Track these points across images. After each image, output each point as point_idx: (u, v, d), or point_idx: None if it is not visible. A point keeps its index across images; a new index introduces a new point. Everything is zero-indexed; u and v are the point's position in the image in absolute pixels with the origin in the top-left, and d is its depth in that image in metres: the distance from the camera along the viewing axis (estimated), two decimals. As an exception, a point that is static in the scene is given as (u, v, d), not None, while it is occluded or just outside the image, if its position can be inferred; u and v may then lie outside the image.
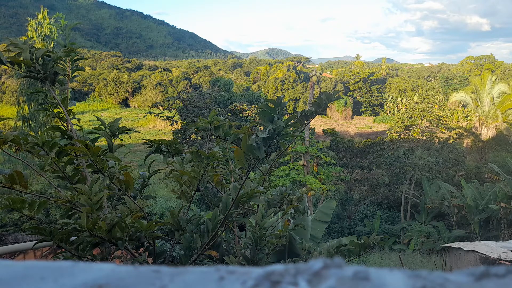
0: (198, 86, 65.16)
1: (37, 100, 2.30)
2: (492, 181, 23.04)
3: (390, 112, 66.22)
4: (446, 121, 33.23)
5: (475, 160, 34.99)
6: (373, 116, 67.84)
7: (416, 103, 46.11)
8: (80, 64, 2.63)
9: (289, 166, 23.50)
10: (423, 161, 24.87)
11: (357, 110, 69.31)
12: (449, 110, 47.92)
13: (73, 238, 1.90)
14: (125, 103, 69.94)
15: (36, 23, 18.64)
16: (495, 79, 40.57)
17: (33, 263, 0.51)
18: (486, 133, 37.73)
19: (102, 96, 69.91)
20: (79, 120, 2.43)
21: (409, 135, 30.75)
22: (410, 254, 19.51)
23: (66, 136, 2.28)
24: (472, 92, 40.65)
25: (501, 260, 8.45)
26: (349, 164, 28.81)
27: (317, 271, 0.46)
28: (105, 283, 0.46)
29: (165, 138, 2.85)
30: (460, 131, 39.02)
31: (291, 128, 2.22)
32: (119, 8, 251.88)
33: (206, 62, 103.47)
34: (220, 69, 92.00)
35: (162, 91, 63.92)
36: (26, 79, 15.05)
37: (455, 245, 11.36)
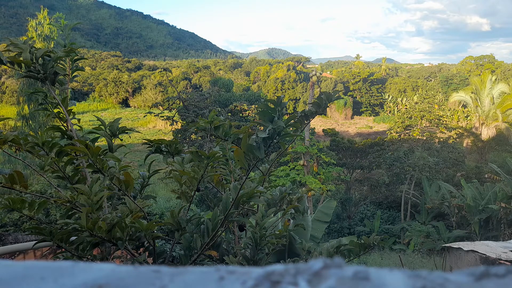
0: (198, 86, 65.18)
1: (37, 100, 2.30)
2: (492, 181, 23.04)
3: (390, 112, 66.23)
4: (446, 121, 33.23)
5: (475, 160, 34.99)
6: (373, 116, 67.85)
7: (416, 103, 46.12)
8: (80, 64, 2.63)
9: (289, 166, 23.50)
10: (423, 161, 24.88)
11: (357, 110, 69.31)
12: (449, 110, 47.93)
13: (73, 238, 1.90)
14: (125, 103, 69.95)
15: (36, 23, 18.64)
16: (495, 79, 40.58)
17: (33, 263, 0.51)
18: (486, 133, 37.73)
19: (102, 96, 69.92)
20: (79, 120, 2.43)
21: (409, 135, 30.75)
22: (410, 254, 19.52)
23: (66, 136, 2.28)
24: (472, 92, 40.65)
25: (501, 260, 8.45)
26: (349, 164, 28.81)
27: (317, 271, 0.46)
28: (105, 283, 0.46)
29: (165, 138, 2.85)
30: (460, 131, 39.02)
31: (291, 128, 2.22)
32: (119, 8, 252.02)
33: (206, 62, 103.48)
34: (220, 69, 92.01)
35: (162, 91, 63.93)
36: (26, 79, 15.05)
37: (455, 245, 11.36)
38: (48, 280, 0.46)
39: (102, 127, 2.23)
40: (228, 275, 0.47)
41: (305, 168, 23.27)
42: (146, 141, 2.35)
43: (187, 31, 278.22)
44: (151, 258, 2.25)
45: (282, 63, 79.91)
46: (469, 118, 46.53)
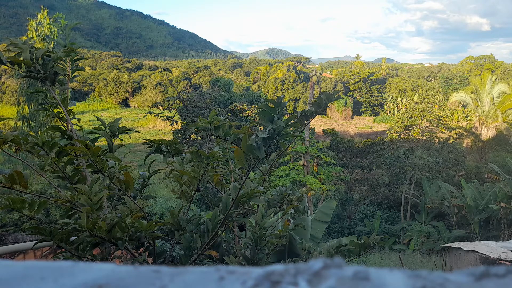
0: (198, 86, 65.18)
1: (37, 100, 2.30)
2: (492, 181, 23.04)
3: (390, 112, 66.23)
4: (446, 121, 33.23)
5: (475, 160, 34.99)
6: (373, 116, 67.85)
7: (416, 103, 46.13)
8: (80, 64, 2.63)
9: (289, 166, 23.50)
10: (423, 161, 24.88)
11: (357, 110, 69.31)
12: (449, 110, 47.93)
13: (73, 238, 1.90)
14: (125, 103, 69.96)
15: (36, 23, 18.63)
16: (495, 79, 40.58)
17: (33, 263, 0.51)
18: (486, 133, 37.73)
19: (102, 96, 69.92)
20: (79, 120, 2.43)
21: (409, 135, 30.75)
22: (410, 254, 19.52)
23: (66, 136, 2.28)
24: (472, 92, 40.65)
25: (501, 260, 8.45)
26: (349, 164, 28.81)
27: (317, 271, 0.46)
28: (105, 283, 0.46)
29: (165, 138, 2.85)
30: (460, 131, 39.02)
31: (291, 128, 2.22)
32: (119, 8, 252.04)
33: (206, 62, 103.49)
34: (220, 69, 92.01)
35: (162, 91, 63.93)
36: (26, 79, 15.05)
37: (455, 245, 11.36)
38: (48, 280, 0.46)
39: (102, 127, 2.23)
40: (228, 275, 0.47)
41: (305, 168, 23.27)
42: (146, 141, 2.35)
43: (187, 31, 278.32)
44: (151, 258, 2.25)
45: (282, 63, 79.92)
46: (469, 118, 46.54)
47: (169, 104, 26.17)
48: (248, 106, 28.97)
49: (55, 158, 2.03)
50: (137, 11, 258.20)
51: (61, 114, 2.34)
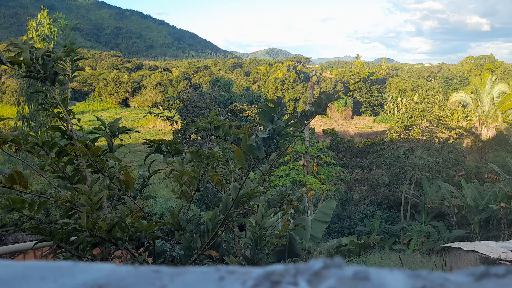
0: (198, 86, 65.18)
1: (37, 100, 2.30)
2: (492, 181, 23.04)
3: (390, 112, 66.23)
4: (446, 121, 33.23)
5: (475, 160, 34.99)
6: (373, 116, 67.85)
7: (416, 103, 46.13)
8: (80, 64, 2.63)
9: (289, 166, 23.50)
10: (423, 161, 24.88)
11: (357, 110, 69.31)
12: (449, 110, 47.93)
13: (73, 238, 1.90)
14: (125, 103, 69.96)
15: (36, 23, 18.63)
16: (495, 79, 40.58)
17: (33, 263, 0.51)
18: (486, 133, 37.73)
19: (102, 96, 69.92)
20: (79, 120, 2.43)
21: (409, 135, 30.76)
22: (410, 254, 19.52)
23: (66, 136, 2.28)
24: (472, 92, 40.65)
25: (501, 260, 8.45)
26: (349, 164, 28.81)
27: (317, 271, 0.46)
28: (105, 283, 0.46)
29: (165, 138, 2.85)
30: (460, 131, 39.03)
31: (291, 128, 2.22)
32: (119, 8, 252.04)
33: (206, 62, 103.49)
34: (220, 69, 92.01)
35: (162, 91, 63.93)
36: (26, 79, 15.05)
37: (455, 245, 11.36)
38: (48, 280, 0.46)
39: (102, 127, 2.23)
40: (228, 275, 0.47)
41: (305, 168, 23.27)
42: (146, 141, 2.35)
43: (187, 31, 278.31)
44: (151, 258, 2.25)
45: (282, 63, 79.92)
46: (469, 118, 46.53)
47: (169, 104, 26.17)
48: (248, 106, 28.97)
49: (55, 158, 2.03)
50: (137, 11, 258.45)
51: (61, 114, 2.34)
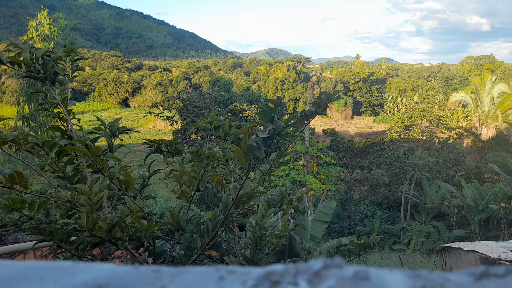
0: (198, 86, 65.17)
1: (37, 100, 2.30)
2: (492, 181, 23.04)
3: (390, 112, 66.23)
4: (446, 121, 33.24)
5: (475, 160, 34.99)
6: (373, 116, 67.85)
7: (416, 103, 46.13)
8: (80, 64, 2.63)
9: (289, 166, 23.50)
10: (423, 161, 24.88)
11: (357, 110, 69.31)
12: (449, 110, 47.93)
13: (73, 238, 1.90)
14: (125, 103, 69.95)
15: (36, 23, 18.63)
16: (495, 79, 40.58)
17: (33, 263, 0.51)
18: (486, 133, 37.74)
19: (102, 96, 69.92)
20: (79, 120, 2.43)
21: (409, 135, 30.76)
22: (410, 254, 19.52)
23: (66, 136, 2.28)
24: (472, 92, 40.65)
25: (501, 260, 8.45)
26: (349, 164, 28.82)
27: (317, 271, 0.46)
28: (105, 283, 0.46)
29: (165, 138, 2.85)
30: (460, 131, 39.03)
31: (291, 128, 2.22)
32: (119, 8, 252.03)
33: (206, 62, 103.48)
34: (220, 69, 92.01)
35: (162, 91, 63.93)
36: (26, 79, 15.06)
37: (455, 245, 11.36)
38: (48, 280, 0.46)
39: (102, 127, 2.23)
40: (228, 275, 0.47)
41: (305, 168, 23.27)
42: (146, 141, 2.35)
43: (187, 31, 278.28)
44: (151, 258, 2.25)
45: (282, 63, 79.91)
46: (469, 118, 46.53)
47: (169, 104, 26.18)
48: (248, 106, 28.97)
49: (55, 158, 2.03)
50: (137, 11, 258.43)
51: (61, 114, 2.34)
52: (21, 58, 2.09)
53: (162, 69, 76.56)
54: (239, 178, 2.58)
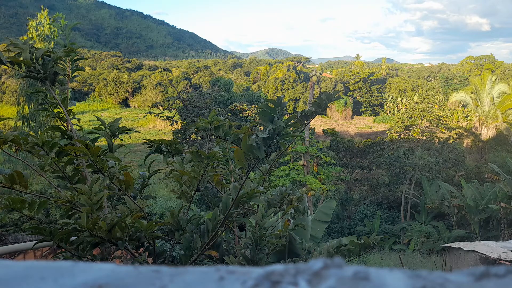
0: (198, 86, 65.17)
1: (37, 100, 2.30)
2: (492, 181, 23.04)
3: (390, 112, 66.22)
4: (446, 121, 33.25)
5: (475, 160, 35.00)
6: (373, 116, 67.84)
7: (416, 103, 46.10)
8: (80, 64, 2.63)
9: (289, 166, 23.51)
10: (423, 161, 24.88)
11: (357, 110, 69.30)
12: (449, 110, 47.91)
13: (73, 238, 1.90)
14: (125, 103, 69.94)
15: (36, 23, 18.64)
16: (495, 79, 40.58)
17: (33, 263, 0.51)
18: (486, 133, 37.74)
19: (102, 96, 69.91)
20: (79, 120, 2.43)
21: (409, 135, 30.77)
22: (410, 254, 19.51)
23: (66, 136, 2.28)
24: (472, 92, 40.66)
25: (501, 260, 8.45)
26: (349, 164, 28.82)
27: (317, 271, 0.46)
28: (105, 283, 0.46)
29: (165, 138, 2.85)
30: (460, 131, 39.04)
31: (291, 128, 2.22)
32: (119, 8, 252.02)
33: (206, 62, 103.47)
34: (220, 69, 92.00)
35: (162, 91, 63.93)
36: (26, 79, 15.05)
37: (455, 245, 11.36)
38: (48, 280, 0.46)
39: (102, 127, 2.23)
40: (228, 275, 0.47)
41: (305, 168, 23.27)
42: (146, 141, 2.35)
43: (187, 31, 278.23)
44: (151, 258, 2.25)
45: (282, 63, 79.89)
46: (469, 118, 46.52)
47: (169, 104, 26.19)
48: (248, 106, 28.98)
49: (55, 158, 2.03)
50: (137, 11, 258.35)
51: (61, 114, 2.34)
52: (21, 58, 2.09)
53: (162, 69, 76.57)
54: (239, 178, 2.58)
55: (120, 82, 68.87)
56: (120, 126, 2.27)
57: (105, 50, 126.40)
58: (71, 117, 2.36)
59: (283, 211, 2.59)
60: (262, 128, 2.15)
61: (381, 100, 69.08)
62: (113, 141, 2.24)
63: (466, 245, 10.56)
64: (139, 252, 2.19)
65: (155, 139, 2.38)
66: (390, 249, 21.30)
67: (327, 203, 13.81)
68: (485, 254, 9.08)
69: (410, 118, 31.29)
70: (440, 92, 60.99)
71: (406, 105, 55.29)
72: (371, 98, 69.20)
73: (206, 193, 2.82)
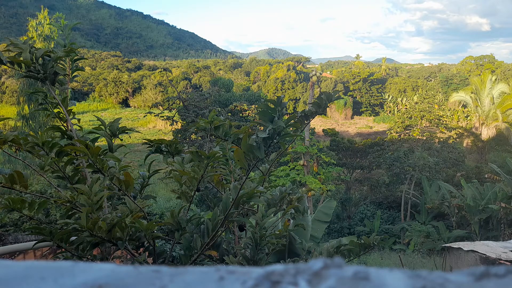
0: (198, 86, 65.16)
1: (37, 100, 2.30)
2: (492, 181, 23.04)
3: (390, 112, 66.22)
4: (446, 121, 33.26)
5: (475, 160, 35.00)
6: (373, 116, 67.84)
7: (416, 103, 46.10)
8: (80, 64, 2.63)
9: (289, 166, 23.51)
10: (423, 161, 24.88)
11: (357, 110, 69.30)
12: (449, 110, 47.91)
13: (73, 238, 1.90)
14: (125, 103, 69.93)
15: (36, 23, 18.65)
16: (495, 79, 40.58)
17: (33, 263, 0.51)
18: (486, 133, 37.74)
19: (102, 96, 69.91)
20: (79, 120, 2.43)
21: (409, 135, 30.77)
22: (410, 254, 19.51)
23: (66, 136, 2.28)
24: (472, 92, 40.66)
25: (501, 260, 8.45)
26: (349, 164, 28.82)
27: (317, 271, 0.46)
28: (105, 283, 0.46)
29: (165, 138, 2.85)
30: (460, 131, 39.04)
31: (291, 128, 2.22)
32: (119, 8, 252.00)
33: (206, 62, 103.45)
34: (220, 69, 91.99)
35: (162, 91, 63.93)
36: (26, 79, 15.05)
37: (455, 245, 11.36)
38: (48, 280, 0.46)
39: (102, 127, 2.23)
40: (228, 275, 0.47)
41: (305, 168, 23.27)
42: (146, 141, 2.35)
43: (187, 31, 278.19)
44: (151, 258, 2.25)
45: (282, 63, 79.88)
46: (469, 118, 46.52)
47: (169, 104, 26.19)
48: (248, 106, 28.99)
49: (55, 158, 2.03)
50: (137, 11, 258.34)
51: (61, 114, 2.34)
52: (21, 58, 2.09)
53: (162, 69, 76.56)
54: (239, 178, 2.58)
55: (120, 82, 68.87)
56: (120, 126, 2.27)
57: (105, 50, 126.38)
58: (71, 117, 2.36)
59: (283, 211, 2.59)
60: (262, 128, 2.15)
61: (381, 100, 69.08)
62: (113, 141, 2.24)
63: (466, 245, 10.56)
64: (139, 252, 2.19)
65: (155, 139, 2.38)
66: (390, 249, 21.30)
67: (327, 203, 13.81)
68: (485, 254, 9.08)
69: (410, 118, 31.29)
70: (440, 92, 60.99)
71: (406, 105, 55.29)
72: (371, 98, 69.19)
73: (206, 193, 2.82)
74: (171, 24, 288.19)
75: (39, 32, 18.63)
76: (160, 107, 50.58)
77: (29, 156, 2.28)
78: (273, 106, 2.10)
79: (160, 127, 51.01)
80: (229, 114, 26.80)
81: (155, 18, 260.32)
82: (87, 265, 0.51)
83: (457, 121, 47.36)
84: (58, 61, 2.23)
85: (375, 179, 28.48)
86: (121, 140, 2.31)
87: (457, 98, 43.40)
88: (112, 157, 2.12)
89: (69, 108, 2.36)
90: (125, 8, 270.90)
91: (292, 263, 0.51)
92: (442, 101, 52.05)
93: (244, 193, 2.10)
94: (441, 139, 31.02)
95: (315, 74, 27.10)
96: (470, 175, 26.77)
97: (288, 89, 67.93)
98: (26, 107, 17.95)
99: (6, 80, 61.66)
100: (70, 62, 2.52)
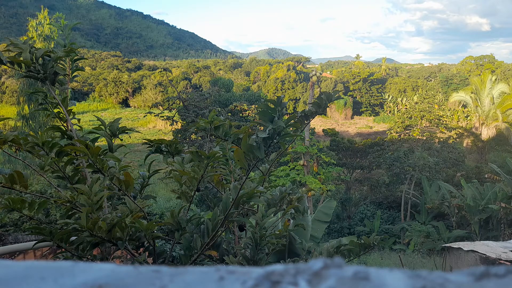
0: (198, 86, 65.16)
1: (37, 100, 2.30)
2: (492, 181, 23.04)
3: (390, 112, 66.21)
4: (446, 121, 33.26)
5: (475, 160, 35.00)
6: (373, 116, 67.84)
7: (416, 103, 46.09)
8: (80, 64, 2.63)
9: (289, 166, 23.51)
10: (423, 161, 24.88)
11: (357, 110, 69.30)
12: (449, 110, 47.91)
13: (73, 238, 1.90)
14: (125, 103, 69.93)
15: (36, 23, 18.65)
16: (495, 79, 40.58)
17: (33, 263, 0.51)
18: (486, 133, 37.74)
19: (102, 96, 69.90)
20: (79, 120, 2.43)
21: (409, 135, 30.77)
22: (410, 254, 19.51)
23: (66, 136, 2.28)
24: (472, 92, 40.66)
25: (501, 260, 8.45)
26: (349, 164, 28.82)
27: (317, 271, 0.46)
28: (105, 283, 0.46)
29: (165, 138, 2.85)
30: (460, 131, 39.04)
31: (291, 128, 2.22)
32: (119, 8, 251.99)
33: (206, 62, 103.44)
34: (220, 69, 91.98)
35: (162, 91, 63.93)
36: (26, 79, 15.05)
37: (455, 245, 11.36)
38: (48, 280, 0.46)
39: (102, 127, 2.23)
40: (228, 275, 0.47)
41: (305, 168, 23.27)
42: (146, 141, 2.35)
43: (187, 31, 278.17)
44: (151, 258, 2.25)
45: (282, 63, 79.88)
46: (469, 118, 46.52)
47: (169, 104, 26.20)
48: (248, 106, 28.99)
49: (55, 158, 2.03)
50: (137, 11, 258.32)
51: (61, 114, 2.34)
52: (21, 58, 2.09)
53: (162, 69, 76.56)
54: (239, 178, 2.58)
55: (120, 82, 68.86)
56: (120, 126, 2.27)
57: (105, 50, 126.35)
58: (71, 117, 2.36)
59: (283, 211, 2.59)
60: (262, 128, 2.15)
61: (381, 100, 69.08)
62: (113, 141, 2.24)
63: (466, 245, 10.56)
64: (139, 252, 2.19)
65: (155, 139, 2.38)
66: (390, 249, 21.30)
67: (327, 203, 13.81)
68: (485, 254, 9.08)
69: (410, 118, 31.29)
70: (440, 92, 60.98)
71: (406, 105, 55.29)
72: (371, 98, 69.19)
73: (206, 193, 2.82)
74: (171, 24, 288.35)
75: (39, 32, 18.63)
76: (160, 107, 50.60)
77: (29, 156, 2.28)
78: (273, 106, 2.10)
79: (160, 127, 51.01)
80: (229, 114, 26.81)
81: (155, 18, 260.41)
82: (87, 265, 0.51)
83: (457, 121, 47.36)
84: (58, 61, 2.23)
85: (375, 179, 28.48)
86: (121, 140, 2.31)
87: (457, 98, 43.40)
88: (112, 157, 2.12)
89: (69, 108, 2.36)
90: (125, 8, 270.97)
91: (292, 263, 0.51)
92: (442, 101, 52.06)
93: (244, 193, 2.10)
94: (441, 139, 31.03)
95: (315, 74, 27.10)
96: (470, 175, 26.77)
97: (288, 89, 67.92)
98: (26, 107, 17.95)
99: (6, 80, 61.66)
100: (70, 62, 2.52)
